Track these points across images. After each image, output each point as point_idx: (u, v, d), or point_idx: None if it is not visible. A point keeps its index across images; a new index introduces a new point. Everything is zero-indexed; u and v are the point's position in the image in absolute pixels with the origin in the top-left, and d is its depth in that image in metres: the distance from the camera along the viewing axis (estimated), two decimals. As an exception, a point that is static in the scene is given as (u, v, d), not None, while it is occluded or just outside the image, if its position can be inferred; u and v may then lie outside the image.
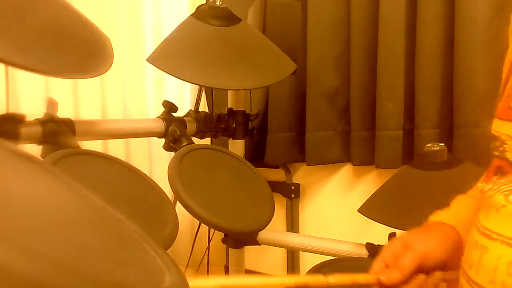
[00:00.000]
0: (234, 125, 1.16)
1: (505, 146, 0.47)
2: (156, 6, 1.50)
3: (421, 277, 0.52)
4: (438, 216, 0.59)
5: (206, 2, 1.02)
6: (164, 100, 1.02)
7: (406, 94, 1.17)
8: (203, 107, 1.45)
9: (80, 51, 0.73)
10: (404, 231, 0.58)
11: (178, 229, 0.77)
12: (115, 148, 1.34)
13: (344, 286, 0.54)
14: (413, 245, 0.54)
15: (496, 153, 0.48)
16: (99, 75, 0.73)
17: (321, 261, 0.98)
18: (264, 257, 1.57)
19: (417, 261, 0.52)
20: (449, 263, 0.54)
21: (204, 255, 1.50)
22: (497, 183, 0.47)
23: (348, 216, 1.35)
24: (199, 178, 0.89)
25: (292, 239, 1.14)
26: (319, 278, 0.53)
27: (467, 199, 0.60)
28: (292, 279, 0.55)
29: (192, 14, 0.99)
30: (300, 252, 1.48)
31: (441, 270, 0.54)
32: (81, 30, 0.76)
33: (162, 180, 0.85)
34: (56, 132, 0.76)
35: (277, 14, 1.10)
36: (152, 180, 0.85)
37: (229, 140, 1.20)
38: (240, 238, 1.17)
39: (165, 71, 0.88)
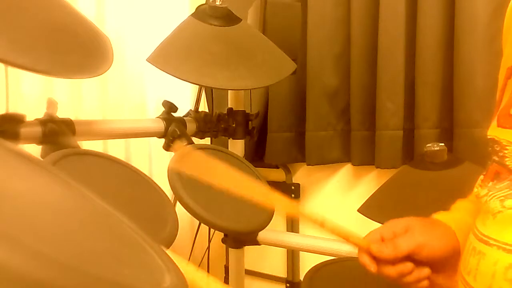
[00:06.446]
0: (234, 125, 1.16)
1: (505, 151, 0.46)
2: (156, 6, 1.50)
3: (409, 265, 0.52)
4: (440, 217, 0.59)
5: (206, 2, 1.02)
6: (164, 100, 1.02)
7: (406, 94, 1.17)
8: (203, 107, 1.45)
9: (80, 51, 0.73)
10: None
11: (178, 229, 0.76)
12: (115, 148, 1.34)
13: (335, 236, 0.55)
14: (414, 231, 0.54)
15: (495, 158, 0.48)
16: (99, 75, 0.73)
17: (321, 261, 0.98)
18: (264, 257, 1.57)
19: (413, 248, 0.52)
20: (445, 265, 0.53)
21: (204, 255, 1.50)
22: (493, 188, 0.47)
23: (348, 216, 1.35)
24: (199, 178, 0.89)
25: (292, 239, 1.14)
26: (317, 218, 0.53)
27: (467, 203, 0.59)
28: (295, 209, 0.54)
29: (192, 14, 0.99)
30: (300, 252, 1.48)
31: (432, 267, 0.53)
32: (81, 30, 0.76)
33: (162, 180, 0.85)
34: (56, 132, 0.76)
35: (277, 14, 1.10)
36: (152, 180, 0.85)
37: (229, 140, 1.19)
38: (240, 238, 1.17)
39: (165, 71, 0.88)
